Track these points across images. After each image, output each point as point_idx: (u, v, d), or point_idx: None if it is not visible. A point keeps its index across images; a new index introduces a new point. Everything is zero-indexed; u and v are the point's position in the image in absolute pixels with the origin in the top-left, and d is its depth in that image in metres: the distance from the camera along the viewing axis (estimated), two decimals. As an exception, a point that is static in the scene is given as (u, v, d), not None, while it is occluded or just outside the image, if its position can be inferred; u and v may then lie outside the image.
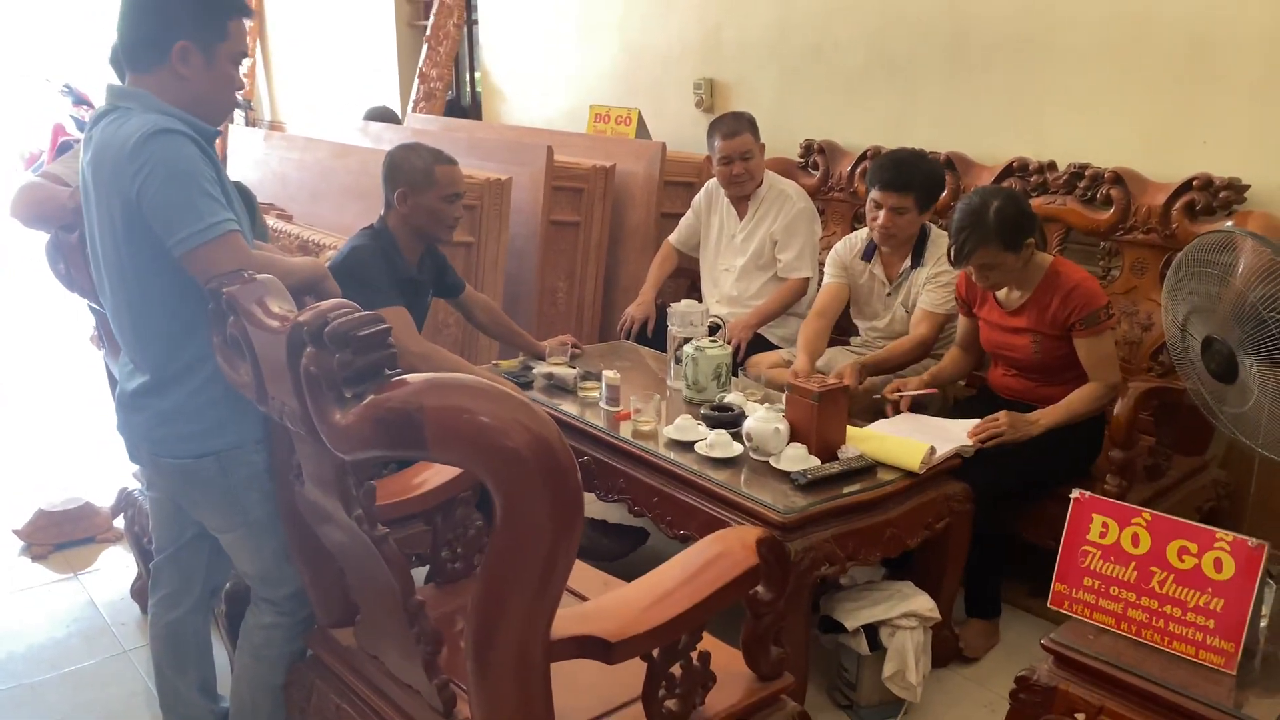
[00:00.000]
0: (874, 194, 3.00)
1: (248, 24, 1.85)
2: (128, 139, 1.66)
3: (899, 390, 2.77)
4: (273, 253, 2.06)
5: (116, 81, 1.82)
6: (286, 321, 1.43)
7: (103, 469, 3.64)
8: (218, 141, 1.90)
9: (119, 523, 3.22)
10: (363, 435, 1.33)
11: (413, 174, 2.59)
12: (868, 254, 3.16)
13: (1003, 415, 2.51)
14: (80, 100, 9.07)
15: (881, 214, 2.98)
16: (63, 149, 8.98)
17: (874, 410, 2.87)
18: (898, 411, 2.75)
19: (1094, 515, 1.79)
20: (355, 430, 1.33)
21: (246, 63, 7.57)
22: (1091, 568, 1.78)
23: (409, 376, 1.35)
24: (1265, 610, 1.74)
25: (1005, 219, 2.52)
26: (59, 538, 3.23)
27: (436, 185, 2.60)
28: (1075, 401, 2.58)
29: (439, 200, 2.61)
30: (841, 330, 3.36)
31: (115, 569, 3.10)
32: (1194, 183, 2.83)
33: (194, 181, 1.66)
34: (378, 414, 1.30)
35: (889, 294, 3.14)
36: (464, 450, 1.29)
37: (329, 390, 1.37)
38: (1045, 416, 2.56)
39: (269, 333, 1.48)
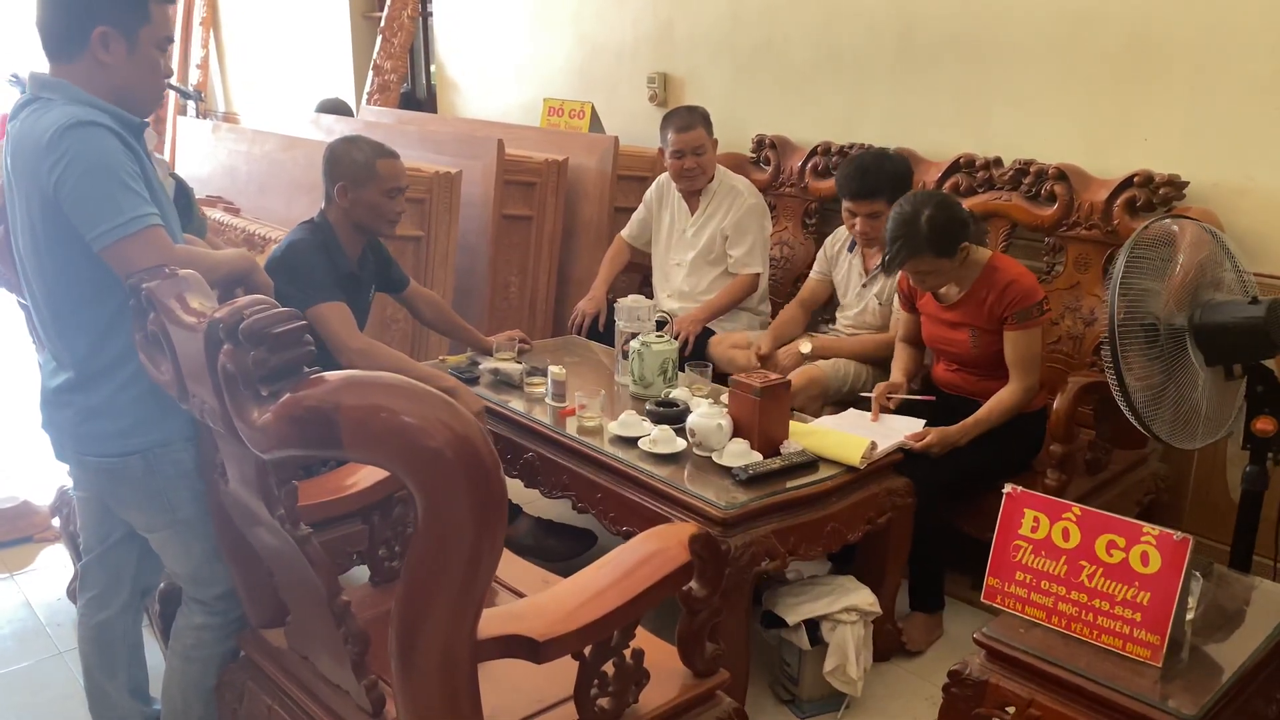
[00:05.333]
0: (846, 204, 3.07)
1: (171, 9, 1.80)
2: (45, 131, 1.62)
3: (892, 395, 2.75)
4: (200, 247, 2.02)
5: (41, 71, 1.77)
6: (204, 318, 1.41)
7: (41, 467, 3.56)
8: (163, 133, 1.86)
9: (57, 522, 3.16)
10: (279, 434, 1.30)
11: (353, 168, 2.55)
12: (851, 246, 3.24)
13: (931, 435, 2.52)
14: (29, 90, 8.88)
15: (858, 221, 3.05)
16: (11, 140, 8.81)
17: (856, 405, 2.89)
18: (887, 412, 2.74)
19: (1026, 510, 1.80)
20: (272, 429, 1.31)
21: (198, 54, 7.48)
22: (1023, 562, 1.79)
23: (327, 374, 1.32)
24: (1192, 603, 1.76)
25: (936, 227, 2.53)
26: (-5, 537, 3.16)
27: (377, 179, 2.56)
28: (993, 410, 2.60)
29: (380, 195, 2.58)
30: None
31: (53, 569, 3.04)
32: (1135, 179, 2.86)
33: (113, 175, 1.62)
34: (293, 412, 1.28)
35: (864, 285, 3.20)
36: (382, 450, 1.27)
37: (246, 388, 1.34)
38: (966, 433, 2.56)
39: (187, 330, 1.45)
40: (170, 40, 1.79)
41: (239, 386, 1.35)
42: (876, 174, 3.01)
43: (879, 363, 3.10)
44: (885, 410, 2.72)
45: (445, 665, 1.40)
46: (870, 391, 2.80)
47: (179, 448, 1.81)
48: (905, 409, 2.73)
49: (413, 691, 1.41)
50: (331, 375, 1.31)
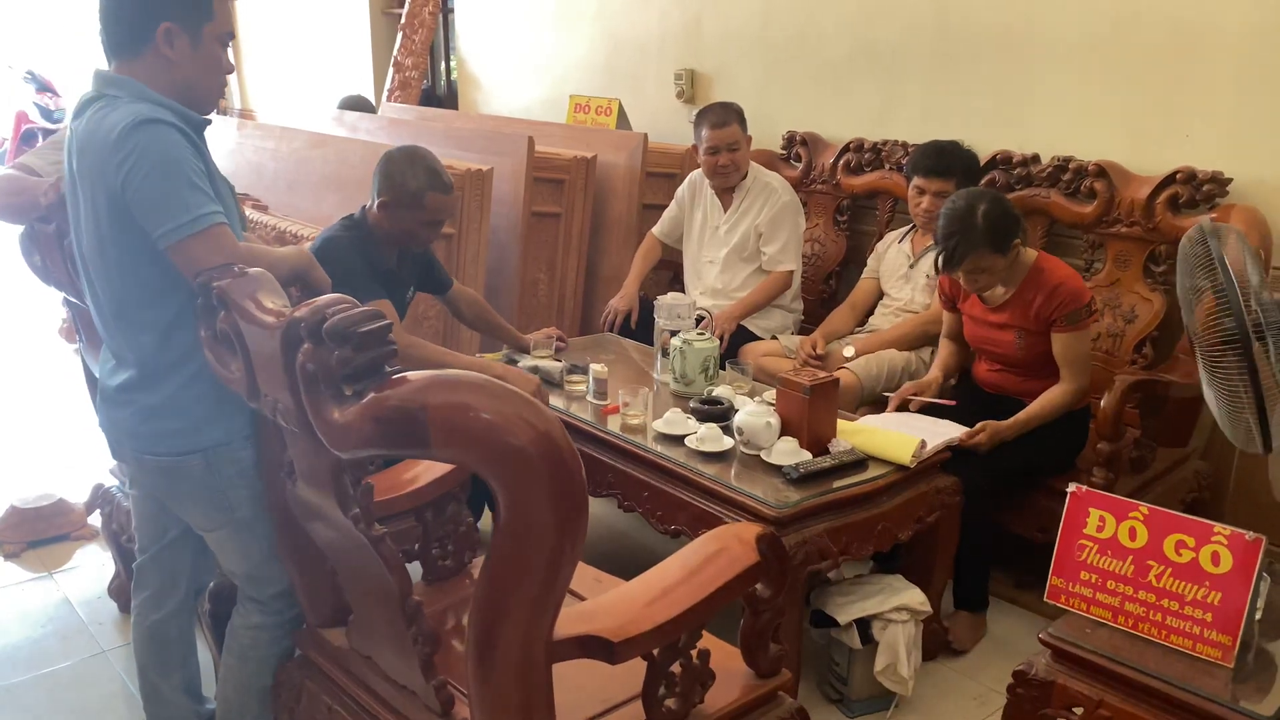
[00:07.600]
0: (917, 181, 3.12)
1: (232, 4, 1.79)
2: (113, 129, 1.61)
3: (913, 396, 2.77)
4: (257, 244, 2.01)
5: (102, 67, 1.76)
6: (282, 317, 1.40)
7: (76, 465, 3.57)
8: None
9: (94, 519, 3.16)
10: (363, 434, 1.29)
11: (402, 191, 2.51)
12: (903, 236, 3.31)
13: (981, 434, 2.52)
14: (44, 87, 8.89)
15: (925, 199, 3.10)
16: (26, 137, 8.80)
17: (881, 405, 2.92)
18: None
19: (1091, 509, 1.79)
20: (355, 428, 1.30)
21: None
22: (1088, 561, 1.78)
23: (410, 374, 1.32)
24: (1260, 604, 1.75)
25: (992, 222, 2.51)
26: (32, 535, 3.15)
27: (422, 210, 2.53)
28: (1044, 408, 2.59)
29: (419, 224, 2.55)
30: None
31: (91, 567, 3.04)
32: (1177, 176, 2.85)
33: (180, 173, 1.61)
34: (379, 412, 1.27)
35: (911, 267, 3.23)
36: (469, 448, 1.26)
37: (327, 388, 1.34)
38: (1014, 429, 2.56)
39: (263, 328, 1.44)
40: (232, 35, 1.78)
41: (319, 386, 1.34)
42: (952, 156, 3.10)
43: (920, 346, 3.14)
44: (904, 410, 2.74)
45: (522, 665, 1.39)
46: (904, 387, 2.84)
47: (239, 446, 1.81)
48: (927, 411, 2.72)
49: (489, 691, 1.40)
50: (415, 375, 1.31)
